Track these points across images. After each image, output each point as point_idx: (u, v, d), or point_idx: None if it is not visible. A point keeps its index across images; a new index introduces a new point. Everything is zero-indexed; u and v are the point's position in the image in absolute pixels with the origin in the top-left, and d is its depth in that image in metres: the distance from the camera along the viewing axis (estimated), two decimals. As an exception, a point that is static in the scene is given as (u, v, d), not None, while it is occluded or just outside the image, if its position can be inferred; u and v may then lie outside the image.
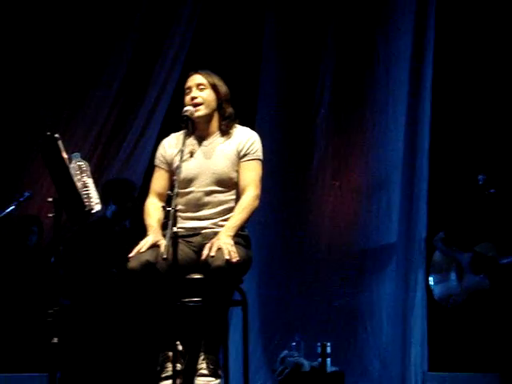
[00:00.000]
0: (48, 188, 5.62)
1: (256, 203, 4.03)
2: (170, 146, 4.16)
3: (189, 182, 4.03)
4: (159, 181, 4.15)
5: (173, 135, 4.22)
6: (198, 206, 4.04)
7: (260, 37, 6.28)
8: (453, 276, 5.45)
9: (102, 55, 6.15)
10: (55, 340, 3.74)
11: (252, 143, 4.09)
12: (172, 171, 4.10)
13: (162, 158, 4.17)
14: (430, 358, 5.61)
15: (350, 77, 6.10)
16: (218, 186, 4.04)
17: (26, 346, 5.41)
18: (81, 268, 5.36)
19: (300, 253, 6.00)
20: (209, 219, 4.04)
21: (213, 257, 3.77)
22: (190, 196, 4.04)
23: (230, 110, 4.15)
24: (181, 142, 4.02)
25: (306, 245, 6.00)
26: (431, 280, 5.58)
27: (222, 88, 4.13)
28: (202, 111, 4.07)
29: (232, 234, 3.91)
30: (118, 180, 5.66)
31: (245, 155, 4.07)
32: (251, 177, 4.04)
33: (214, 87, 4.10)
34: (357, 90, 6.06)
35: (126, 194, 5.46)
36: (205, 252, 3.83)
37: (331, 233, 6.00)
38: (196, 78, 4.11)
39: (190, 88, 4.10)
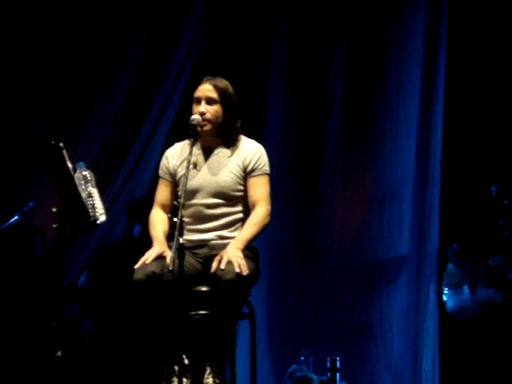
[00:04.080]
0: (52, 198, 5.58)
1: (267, 219, 3.98)
2: (173, 156, 4.11)
3: (192, 193, 3.97)
4: (163, 192, 4.10)
5: (176, 145, 4.16)
6: (202, 218, 3.98)
7: (269, 45, 6.23)
8: (466, 289, 5.38)
9: (107, 63, 6.13)
10: (59, 353, 3.68)
11: (258, 157, 4.03)
12: (176, 182, 4.05)
13: (165, 169, 4.11)
14: (442, 372, 5.55)
15: (360, 86, 6.05)
16: (222, 199, 3.98)
17: (30, 359, 5.35)
18: (105, 288, 5.40)
19: (309, 265, 5.94)
20: (213, 231, 3.98)
21: (222, 270, 3.72)
22: (193, 208, 3.99)
23: (237, 122, 4.07)
24: (185, 151, 3.99)
25: (315, 257, 5.94)
26: (444, 293, 5.50)
27: (232, 100, 4.04)
28: (208, 126, 3.99)
29: (241, 247, 3.86)
30: (142, 199, 5.63)
31: (252, 170, 4.01)
32: (261, 193, 3.99)
33: (223, 101, 4.00)
34: (367, 99, 6.02)
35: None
36: (214, 265, 3.79)
37: (341, 245, 5.95)
38: (207, 90, 4.01)
39: (199, 99, 4.02)
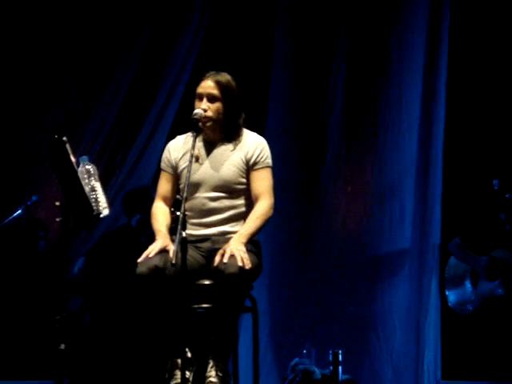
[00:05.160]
0: (56, 192, 5.59)
1: (271, 212, 3.98)
2: (175, 149, 4.10)
3: (194, 187, 3.97)
4: (165, 184, 4.09)
5: (179, 138, 4.15)
6: (204, 211, 3.98)
7: (271, 41, 6.23)
8: (468, 283, 5.39)
9: (111, 58, 6.13)
10: (62, 346, 3.70)
11: (261, 150, 4.02)
12: (178, 175, 4.05)
13: (167, 162, 4.10)
14: (444, 365, 5.55)
15: (363, 81, 6.04)
16: (224, 192, 3.98)
17: (33, 353, 5.37)
18: (103, 277, 5.40)
19: (312, 259, 5.94)
20: (216, 225, 3.98)
21: (225, 264, 3.73)
22: (195, 201, 3.98)
23: (239, 118, 4.05)
24: (187, 144, 3.99)
25: (317, 251, 5.94)
26: (446, 286, 5.51)
27: (234, 96, 4.01)
28: (209, 123, 3.98)
29: (245, 241, 3.86)
30: (139, 189, 5.64)
31: (255, 163, 4.00)
32: (264, 186, 3.98)
33: (225, 98, 3.98)
34: (369, 94, 6.00)
35: (148, 202, 5.46)
36: (217, 258, 3.79)
37: (343, 238, 5.95)
38: (208, 87, 3.99)
39: (201, 95, 4.00)
